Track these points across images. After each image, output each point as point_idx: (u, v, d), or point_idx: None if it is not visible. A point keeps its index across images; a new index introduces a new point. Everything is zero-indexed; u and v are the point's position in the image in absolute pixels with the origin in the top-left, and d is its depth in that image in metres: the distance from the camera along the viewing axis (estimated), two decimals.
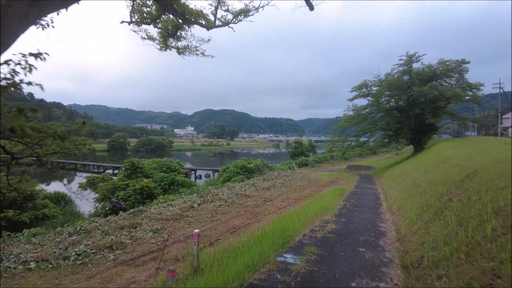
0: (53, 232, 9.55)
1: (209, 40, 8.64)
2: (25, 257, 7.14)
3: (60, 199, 20.49)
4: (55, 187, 33.76)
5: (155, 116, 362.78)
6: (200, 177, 45.19)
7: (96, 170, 50.92)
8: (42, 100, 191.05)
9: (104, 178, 19.11)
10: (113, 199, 17.72)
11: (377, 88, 25.20)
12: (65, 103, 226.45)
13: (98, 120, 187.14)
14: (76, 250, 7.55)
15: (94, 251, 7.63)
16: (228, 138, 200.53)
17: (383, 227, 6.91)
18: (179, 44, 7.98)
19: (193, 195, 15.28)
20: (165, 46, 7.94)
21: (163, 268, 6.10)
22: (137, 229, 9.56)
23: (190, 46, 8.30)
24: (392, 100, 25.26)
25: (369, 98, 26.12)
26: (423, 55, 22.70)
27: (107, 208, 18.51)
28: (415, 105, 23.55)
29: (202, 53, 8.72)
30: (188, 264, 5.65)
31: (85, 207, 20.11)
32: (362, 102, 27.38)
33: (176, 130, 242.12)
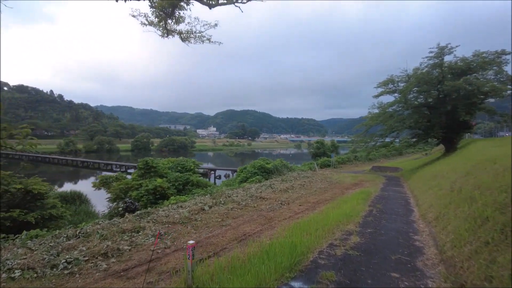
0: (52, 234, 8.95)
1: (215, 24, 7.71)
2: (11, 264, 6.48)
3: (76, 198, 20.37)
4: (79, 187, 34.25)
5: (179, 117, 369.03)
6: (220, 177, 44.71)
7: (118, 169, 51.46)
8: (71, 102, 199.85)
9: (118, 178, 18.68)
10: (126, 199, 17.28)
11: (405, 84, 23.48)
12: (92, 104, 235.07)
13: (123, 121, 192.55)
14: (67, 257, 6.80)
15: (87, 258, 6.86)
16: (249, 138, 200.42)
17: (419, 240, 5.70)
18: (181, 28, 7.10)
19: (206, 196, 14.47)
20: (165, 31, 7.08)
21: (156, 283, 5.26)
22: (140, 233, 8.78)
23: (194, 31, 7.40)
24: (421, 96, 23.36)
25: (395, 95, 24.43)
26: (456, 46, 20.78)
27: (121, 208, 18.16)
28: (447, 102, 21.68)
29: (208, 39, 7.80)
30: (182, 280, 4.78)
31: (100, 207, 19.87)
32: (388, 99, 25.72)
33: (199, 131, 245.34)
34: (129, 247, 7.67)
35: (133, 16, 7.29)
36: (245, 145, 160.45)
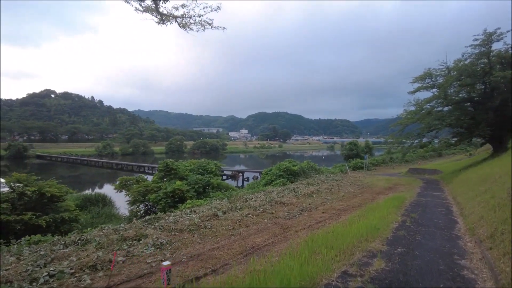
0: (51, 240, 8.46)
1: (218, 7, 6.76)
2: None
3: (99, 201, 20.38)
4: (108, 188, 34.94)
5: (212, 120, 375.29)
6: (248, 179, 43.99)
7: (150, 171, 52.36)
8: (110, 107, 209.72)
9: (138, 180, 18.35)
10: (146, 202, 16.89)
11: (444, 78, 21.19)
12: (130, 109, 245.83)
13: (159, 125, 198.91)
14: (51, 269, 6.11)
15: (73, 271, 6.16)
16: (281, 140, 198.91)
17: (468, 268, 4.30)
18: (175, 11, 6.23)
19: (223, 200, 13.59)
20: (159, 15, 6.25)
21: None
22: (141, 242, 8.01)
23: (193, 15, 6.50)
24: (463, 90, 20.93)
25: (433, 90, 22.15)
26: (507, 31, 18.23)
27: (142, 211, 17.82)
28: (495, 96, 19.21)
29: (210, 25, 6.88)
30: None
31: (123, 210, 19.72)
32: (426, 95, 23.43)
33: (231, 133, 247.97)
34: (124, 258, 6.88)
35: (127, 2, 6.52)
36: (276, 147, 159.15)
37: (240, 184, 41.46)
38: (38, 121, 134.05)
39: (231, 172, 47.79)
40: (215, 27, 7.02)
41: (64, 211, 12.29)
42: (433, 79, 21.92)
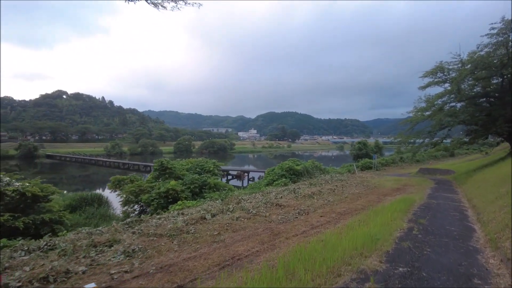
0: (15, 246, 7.64)
1: None
2: None
3: (95, 201, 19.69)
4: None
5: (221, 120, 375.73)
6: (253, 179, 42.98)
7: None
8: (120, 107, 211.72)
9: (132, 180, 17.55)
10: (141, 202, 16.10)
11: (457, 72, 19.76)
12: (141, 110, 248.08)
13: (169, 125, 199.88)
14: None
15: (20, 284, 5.31)
16: (290, 140, 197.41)
17: None
18: None
19: (217, 201, 12.67)
20: None
21: None
22: (112, 248, 7.13)
23: None
24: (478, 84, 19.45)
25: (446, 85, 20.73)
26: None
27: (137, 212, 17.03)
28: None
29: (184, 1, 5.95)
30: None
31: (120, 210, 18.98)
32: (437, 90, 22.00)
33: (240, 133, 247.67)
34: (85, 268, 5.97)
35: None
36: (284, 147, 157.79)
37: (245, 184, 40.49)
38: (50, 121, 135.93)
39: (236, 172, 46.91)
40: (189, 3, 6.09)
41: (46, 212, 11.52)
42: (445, 73, 20.53)
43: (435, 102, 20.76)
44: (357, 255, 4.30)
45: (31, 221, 10.77)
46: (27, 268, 5.87)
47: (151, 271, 5.82)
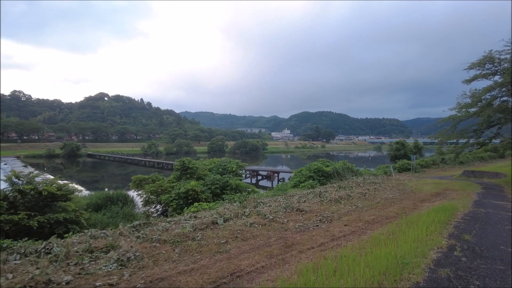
0: (13, 247, 7.31)
1: None
2: None
3: (120, 200, 19.72)
4: None
5: (255, 121, 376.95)
6: (283, 180, 41.94)
7: None
8: (157, 108, 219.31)
9: (153, 179, 17.26)
10: (163, 203, 15.74)
11: (510, 62, 17.32)
12: (178, 111, 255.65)
13: (204, 125, 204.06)
14: None
15: None
16: (324, 140, 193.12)
17: None
18: None
19: (234, 204, 11.86)
20: None
21: None
22: (108, 254, 6.55)
23: None
24: None
25: (495, 77, 18.30)
26: None
27: (159, 212, 16.73)
28: None
29: None
30: None
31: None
32: (484, 84, 19.51)
33: (273, 133, 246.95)
34: (71, 278, 5.41)
35: None
36: (318, 147, 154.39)
37: (275, 184, 39.58)
38: (93, 122, 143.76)
39: (266, 172, 46.12)
40: None
41: (62, 211, 11.38)
42: (495, 64, 18.14)
43: (483, 97, 18.43)
44: None
45: (46, 221, 10.63)
46: (10, 276, 5.39)
47: (138, 285, 5.11)
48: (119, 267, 5.92)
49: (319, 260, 5.50)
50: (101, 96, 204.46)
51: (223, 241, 7.28)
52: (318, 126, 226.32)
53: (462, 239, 5.63)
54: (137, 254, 6.50)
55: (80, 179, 49.23)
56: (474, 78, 18.74)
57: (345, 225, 8.25)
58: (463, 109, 19.37)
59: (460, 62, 18.87)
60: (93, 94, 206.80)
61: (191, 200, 14.58)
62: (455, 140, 21.07)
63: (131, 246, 6.85)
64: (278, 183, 39.65)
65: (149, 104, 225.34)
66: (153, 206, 16.62)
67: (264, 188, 36.66)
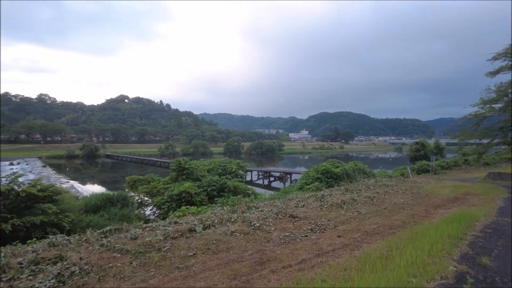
0: None
1: None
2: None
3: (120, 201, 19.10)
4: None
5: (273, 121, 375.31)
6: (296, 181, 40.55)
7: None
8: (176, 110, 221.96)
9: (149, 180, 16.45)
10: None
11: None
12: (197, 112, 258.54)
13: (222, 127, 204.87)
14: None
15: None
16: (343, 141, 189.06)
17: None
18: None
19: (225, 208, 10.81)
20: None
21: None
22: (55, 266, 5.65)
23: None
24: None
25: None
26: None
27: (156, 214, 15.93)
28: None
29: None
30: None
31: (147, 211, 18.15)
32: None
33: (291, 134, 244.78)
34: None
35: None
36: (336, 148, 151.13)
37: (287, 186, 38.30)
38: (114, 124, 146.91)
39: (279, 173, 44.87)
40: None
41: (42, 213, 10.69)
42: None
43: (509, 91, 16.54)
44: None
45: (21, 224, 9.94)
46: None
47: None
48: (56, 284, 5.01)
49: (290, 284, 4.38)
50: (121, 98, 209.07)
51: (190, 254, 6.24)
52: (337, 127, 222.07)
53: (478, 263, 4.29)
54: (85, 267, 5.59)
55: (101, 179, 49.76)
56: (500, 70, 16.89)
57: (339, 236, 7.01)
58: (487, 105, 17.51)
59: (485, 58, 16.95)
60: (114, 96, 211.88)
61: (184, 203, 13.67)
62: (478, 140, 19.18)
63: (81, 258, 5.93)
64: (290, 183, 38.37)
65: (168, 106, 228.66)
66: (149, 208, 15.85)
67: (276, 189, 35.47)
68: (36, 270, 5.53)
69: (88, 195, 22.51)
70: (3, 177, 11.65)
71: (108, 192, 21.51)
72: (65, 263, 5.65)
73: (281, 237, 7.08)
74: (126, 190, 18.07)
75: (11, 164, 64.31)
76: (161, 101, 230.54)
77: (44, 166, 62.08)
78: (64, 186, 37.14)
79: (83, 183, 42.39)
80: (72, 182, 40.92)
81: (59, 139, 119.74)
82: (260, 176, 45.13)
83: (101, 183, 44.87)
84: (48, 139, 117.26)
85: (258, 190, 25.93)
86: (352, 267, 4.56)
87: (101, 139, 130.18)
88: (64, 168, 64.74)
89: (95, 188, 37.19)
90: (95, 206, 18.00)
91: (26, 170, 54.00)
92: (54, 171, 54.98)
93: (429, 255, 4.41)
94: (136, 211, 14.99)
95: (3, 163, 66.18)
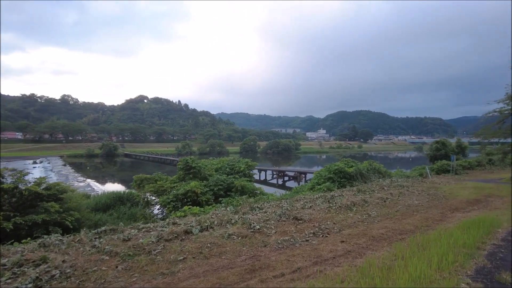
0: None
1: None
2: None
3: (129, 199, 19.08)
4: None
5: (290, 121, 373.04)
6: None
7: None
8: (194, 110, 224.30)
9: (156, 179, 16.27)
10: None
11: None
12: (214, 112, 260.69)
13: (239, 126, 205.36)
14: None
15: None
16: (361, 140, 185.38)
17: None
18: None
19: (228, 208, 10.41)
20: None
21: None
22: (36, 269, 5.39)
23: None
24: None
25: None
26: None
27: (164, 214, 15.76)
28: None
29: None
30: None
31: (156, 210, 18.06)
32: None
33: (308, 134, 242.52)
34: None
35: None
36: (354, 148, 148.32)
37: (301, 185, 37.61)
38: (133, 123, 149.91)
39: (293, 173, 44.19)
40: None
41: (44, 212, 10.61)
42: None
43: None
44: None
45: (23, 222, 9.88)
46: None
47: None
48: None
49: None
50: (141, 99, 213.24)
51: (180, 258, 5.86)
52: (355, 126, 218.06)
53: (496, 280, 3.64)
54: (68, 271, 5.31)
55: (119, 178, 50.56)
56: None
57: (342, 241, 6.45)
58: None
59: None
60: (133, 96, 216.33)
61: (190, 203, 13.37)
62: (502, 138, 17.92)
63: (63, 261, 5.64)
64: (305, 183, 37.65)
65: (186, 105, 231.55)
66: (156, 208, 15.69)
67: (290, 189, 34.86)
68: (19, 272, 5.29)
69: (99, 194, 22.71)
70: (8, 175, 11.64)
71: (119, 190, 21.64)
72: (45, 266, 5.38)
73: (279, 241, 6.60)
74: (134, 188, 18.02)
75: (34, 162, 66.54)
76: (179, 101, 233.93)
77: (64, 165, 63.79)
78: (80, 184, 38.03)
79: (100, 181, 43.08)
80: (88, 180, 41.70)
81: (80, 138, 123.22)
82: (275, 176, 44.59)
83: (118, 181, 45.54)
84: (70, 138, 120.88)
85: (271, 189, 25.48)
86: (349, 279, 4.03)
87: (120, 138, 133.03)
88: (83, 166, 66.35)
89: (111, 187, 37.67)
90: (105, 204, 18.05)
91: (47, 169, 55.71)
92: (73, 170, 56.33)
93: (438, 268, 3.81)
94: (143, 211, 14.80)
95: (27, 161, 68.66)
